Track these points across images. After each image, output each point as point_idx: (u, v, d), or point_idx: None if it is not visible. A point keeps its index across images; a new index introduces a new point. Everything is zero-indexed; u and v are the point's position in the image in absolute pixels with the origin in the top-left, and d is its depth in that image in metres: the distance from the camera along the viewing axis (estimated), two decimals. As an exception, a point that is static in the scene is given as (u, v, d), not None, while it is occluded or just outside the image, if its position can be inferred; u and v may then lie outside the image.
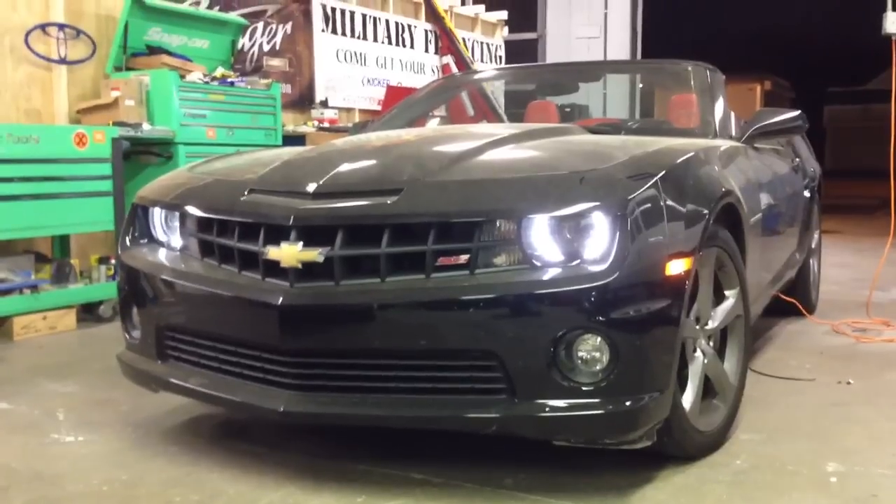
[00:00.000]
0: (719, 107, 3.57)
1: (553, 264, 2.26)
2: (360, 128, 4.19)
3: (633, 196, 2.29)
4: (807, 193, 4.61)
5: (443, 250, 2.29)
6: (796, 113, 3.52)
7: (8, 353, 4.16)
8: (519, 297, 2.22)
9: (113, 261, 4.98)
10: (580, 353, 2.24)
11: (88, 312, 4.91)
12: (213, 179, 2.80)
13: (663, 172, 2.43)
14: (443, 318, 2.26)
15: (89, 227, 4.91)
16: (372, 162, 2.68)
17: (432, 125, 4.30)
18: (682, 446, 2.53)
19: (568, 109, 4.98)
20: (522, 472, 2.50)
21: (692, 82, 3.78)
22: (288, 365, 2.37)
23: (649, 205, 2.32)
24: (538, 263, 2.27)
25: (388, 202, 2.33)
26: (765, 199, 3.45)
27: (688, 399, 2.54)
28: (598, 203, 2.27)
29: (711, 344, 2.70)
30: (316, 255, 2.30)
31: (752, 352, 3.56)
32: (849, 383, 3.48)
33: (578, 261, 2.26)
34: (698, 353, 2.62)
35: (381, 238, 2.30)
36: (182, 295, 2.62)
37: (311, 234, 2.35)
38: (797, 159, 4.52)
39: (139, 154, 5.46)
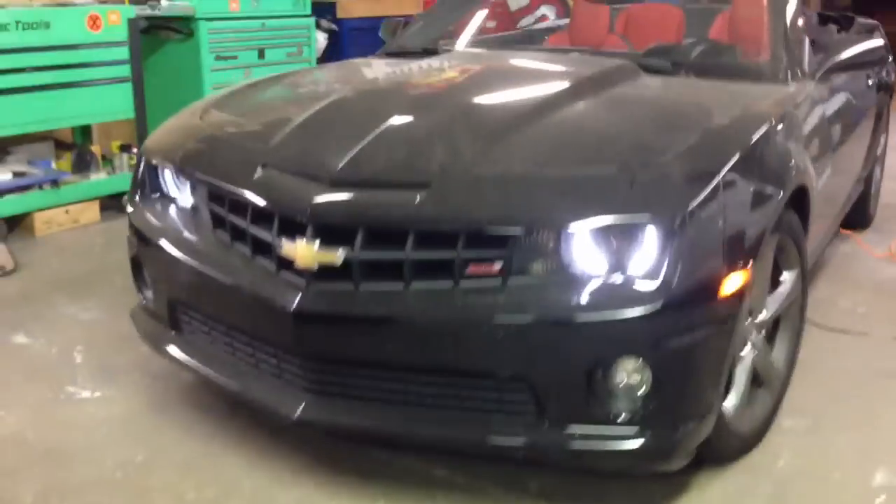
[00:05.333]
0: (793, 35, 3.13)
1: (595, 279, 2.03)
2: (391, 31, 3.81)
3: (689, 207, 2.02)
4: (877, 100, 4.17)
5: (473, 258, 2.07)
6: (880, 43, 3.12)
7: (30, 256, 4.07)
8: (555, 316, 2.01)
9: (135, 150, 4.79)
10: (619, 379, 2.05)
11: (112, 199, 4.77)
12: (226, 142, 2.56)
13: (726, 169, 2.15)
14: (470, 335, 2.06)
15: (108, 116, 4.70)
16: (398, 137, 2.37)
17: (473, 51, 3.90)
18: (720, 452, 2.37)
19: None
20: (549, 475, 2.37)
21: None
22: (302, 368, 2.21)
23: (707, 214, 2.05)
24: (578, 277, 2.04)
25: (415, 202, 2.09)
26: (835, 142, 3.11)
27: (731, 402, 2.36)
28: (649, 214, 2.01)
29: (763, 332, 2.49)
30: (335, 257, 2.08)
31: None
32: (906, 339, 3.25)
33: (623, 277, 2.02)
34: (748, 349, 2.42)
35: (406, 241, 2.07)
36: (194, 272, 2.42)
37: (329, 230, 2.12)
38: (872, 70, 4.07)
39: (158, 29, 5.14)
